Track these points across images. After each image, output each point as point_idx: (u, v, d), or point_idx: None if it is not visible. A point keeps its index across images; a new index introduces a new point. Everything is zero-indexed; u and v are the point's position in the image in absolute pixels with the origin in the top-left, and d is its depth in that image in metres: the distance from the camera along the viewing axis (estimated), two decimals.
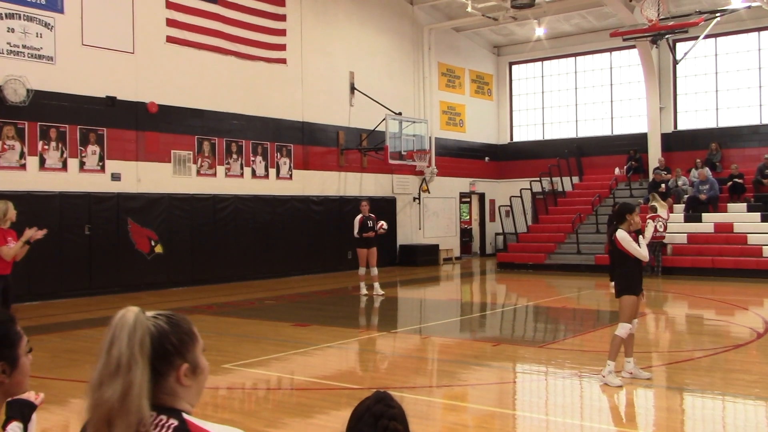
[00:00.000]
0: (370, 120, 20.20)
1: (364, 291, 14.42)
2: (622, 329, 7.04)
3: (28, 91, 13.65)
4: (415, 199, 22.75)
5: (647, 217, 16.10)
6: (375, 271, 14.33)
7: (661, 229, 17.11)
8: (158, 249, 15.52)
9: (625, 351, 7.19)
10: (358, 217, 14.23)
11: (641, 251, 6.94)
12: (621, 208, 7.15)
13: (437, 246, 22.60)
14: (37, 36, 13.94)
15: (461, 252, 24.78)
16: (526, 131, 26.32)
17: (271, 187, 18.24)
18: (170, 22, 16.13)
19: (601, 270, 17.07)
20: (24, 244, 7.73)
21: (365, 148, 20.48)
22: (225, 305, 13.32)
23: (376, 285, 14.38)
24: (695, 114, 22.58)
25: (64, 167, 14.36)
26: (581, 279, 17.55)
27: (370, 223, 14.16)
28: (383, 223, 14.30)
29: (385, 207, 20.73)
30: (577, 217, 20.66)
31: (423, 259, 21.62)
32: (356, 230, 14.11)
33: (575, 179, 23.73)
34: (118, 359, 1.52)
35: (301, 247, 18.70)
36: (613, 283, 7.31)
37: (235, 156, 17.46)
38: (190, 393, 1.63)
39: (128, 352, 1.52)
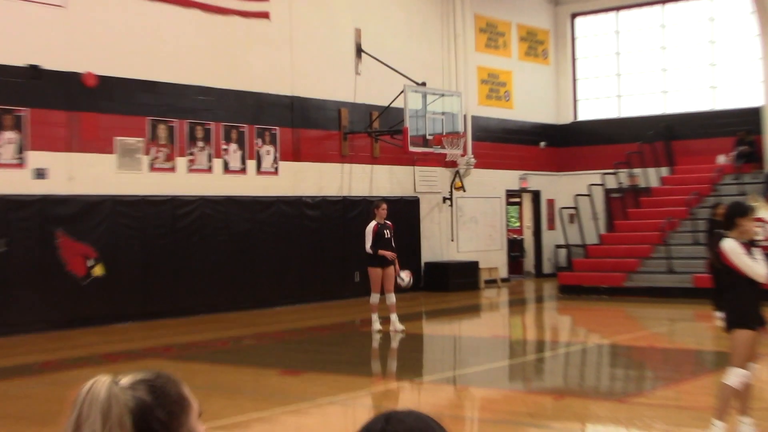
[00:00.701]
0: (384, 93, 20.16)
1: (377, 326, 14.36)
2: (735, 376, 6.93)
3: None
4: (445, 199, 22.69)
5: None
6: (392, 298, 14.26)
7: (763, 238, 16.92)
8: (97, 271, 15.53)
9: (738, 407, 7.08)
10: (371, 225, 14.15)
11: (756, 267, 6.83)
12: (730, 210, 7.10)
13: (476, 264, 22.52)
14: None
15: (510, 272, 24.68)
16: (595, 107, 26.21)
17: (250, 184, 18.23)
18: None
19: (703, 295, 16.89)
20: None
21: (377, 132, 20.45)
22: (188, 346, 13.32)
23: (394, 317, 14.31)
24: None
25: None
26: (675, 307, 17.45)
27: (386, 233, 14.10)
28: (408, 277, 14.16)
29: (404, 211, 20.67)
30: (668, 222, 20.50)
31: (457, 282, 21.55)
32: (368, 243, 14.04)
33: (664, 171, 23.59)
34: None
35: (292, 266, 18.67)
36: (719, 313, 7.22)
37: (201, 144, 17.47)
38: None
39: None
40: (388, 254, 13.99)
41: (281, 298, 18.42)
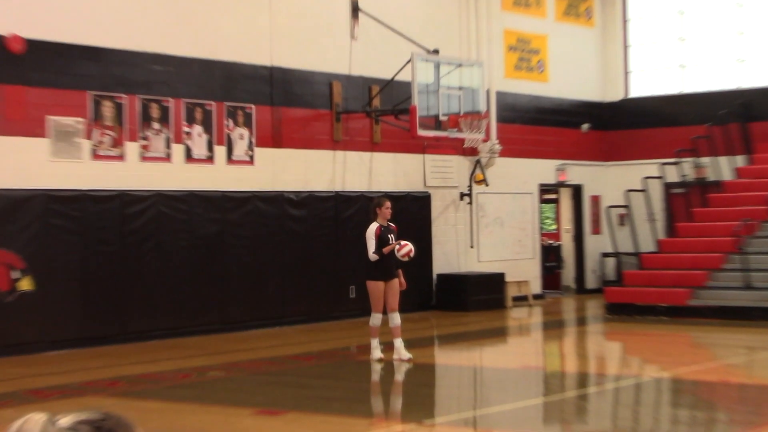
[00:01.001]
0: (386, 64, 20.17)
1: (377, 354, 14.36)
2: None
3: None
4: (463, 196, 22.69)
5: None
6: (397, 319, 14.25)
7: None
8: (25, 285, 15.50)
9: None
10: (373, 227, 14.17)
11: None
12: None
13: (502, 276, 22.54)
14: None
15: (544, 286, 24.74)
16: (652, 80, 26.25)
17: (220, 177, 18.23)
18: None
19: None
20: None
21: (378, 111, 20.46)
22: (141, 379, 13.32)
23: (399, 343, 14.29)
24: None
25: None
26: (753, 332, 17.48)
27: (391, 238, 14.12)
28: (409, 248, 14.10)
29: (413, 210, 20.72)
30: (744, 225, 20.44)
31: (478, 299, 21.57)
32: (372, 249, 14.03)
33: (739, 160, 23.62)
34: None
35: (271, 278, 18.67)
36: None
37: (156, 126, 17.46)
38: None
39: None
40: (393, 244, 13.96)
41: (257, 319, 18.41)
